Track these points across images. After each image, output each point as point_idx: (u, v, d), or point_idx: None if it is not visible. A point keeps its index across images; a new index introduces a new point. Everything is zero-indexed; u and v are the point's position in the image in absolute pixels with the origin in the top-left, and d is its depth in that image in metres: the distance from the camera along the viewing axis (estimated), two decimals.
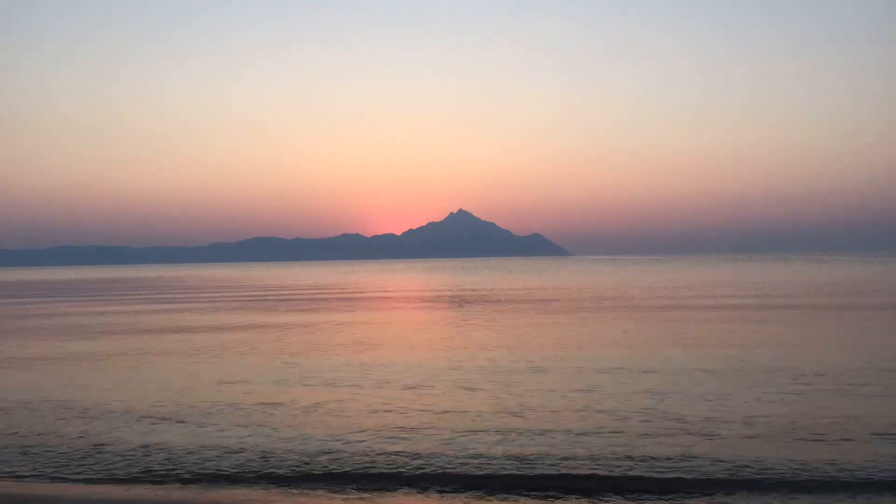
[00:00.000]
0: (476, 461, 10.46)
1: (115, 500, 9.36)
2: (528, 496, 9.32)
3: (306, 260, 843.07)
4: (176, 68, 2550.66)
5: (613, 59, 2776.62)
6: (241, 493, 9.47)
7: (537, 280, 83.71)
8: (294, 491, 9.57)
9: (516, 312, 36.01)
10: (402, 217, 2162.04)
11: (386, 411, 13.51)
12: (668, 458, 10.39)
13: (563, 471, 10.03)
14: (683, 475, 9.81)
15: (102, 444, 11.67)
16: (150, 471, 10.40)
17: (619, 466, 10.12)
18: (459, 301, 47.23)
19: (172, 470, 10.39)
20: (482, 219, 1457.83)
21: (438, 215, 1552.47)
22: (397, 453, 10.84)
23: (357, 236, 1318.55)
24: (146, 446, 11.48)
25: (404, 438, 11.62)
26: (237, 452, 11.04)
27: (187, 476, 10.17)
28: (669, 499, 9.14)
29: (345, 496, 9.36)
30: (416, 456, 10.71)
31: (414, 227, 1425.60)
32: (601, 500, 9.15)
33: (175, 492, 9.61)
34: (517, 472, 10.00)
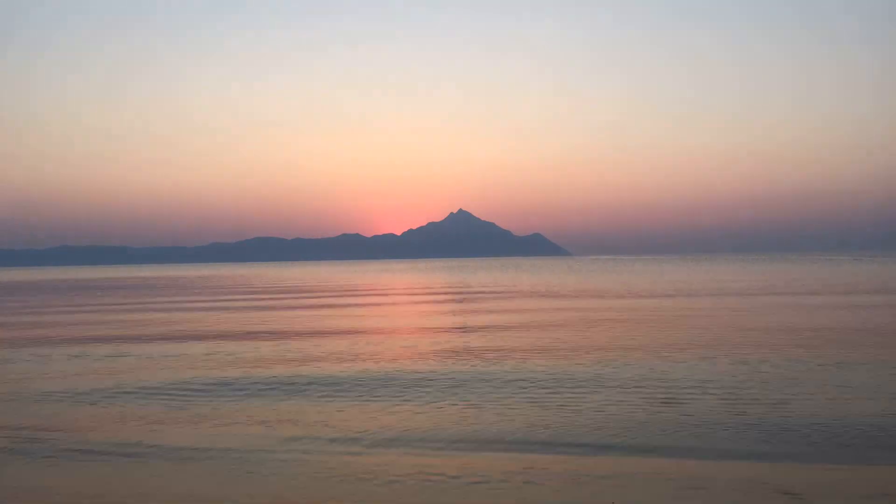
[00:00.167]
0: None
1: None
2: None
3: (306, 260, 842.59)
4: (177, 70, 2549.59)
5: (612, 59, 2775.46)
6: None
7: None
8: None
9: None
10: (402, 217, 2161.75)
11: None
12: None
13: None
14: None
15: None
16: None
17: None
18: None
19: None
20: (482, 219, 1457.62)
21: (438, 215, 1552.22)
22: None
23: (357, 236, 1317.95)
24: None
25: None
26: None
27: None
28: None
29: None
30: None
31: (414, 227, 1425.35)
32: None
33: None
34: None
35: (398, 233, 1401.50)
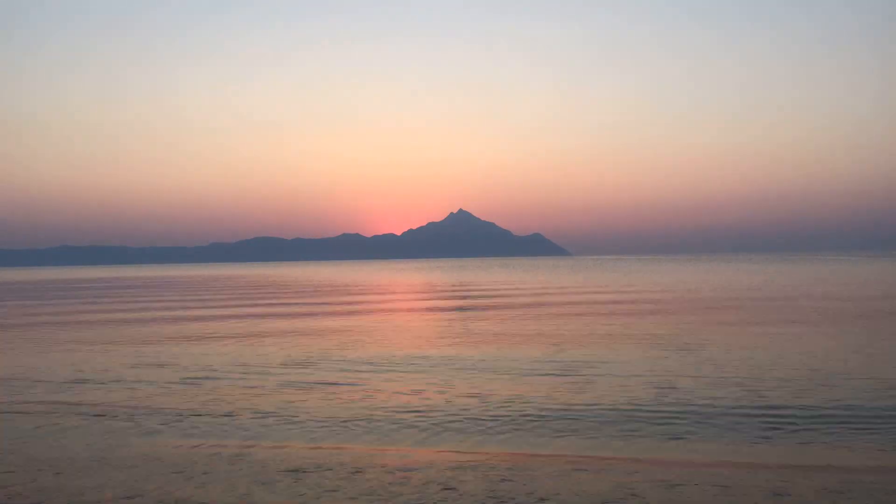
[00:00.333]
0: None
1: None
2: None
3: (306, 260, 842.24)
4: (177, 70, 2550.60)
5: (612, 59, 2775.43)
6: None
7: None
8: None
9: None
10: (402, 217, 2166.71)
11: None
12: None
13: None
14: None
15: None
16: None
17: None
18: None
19: None
20: (482, 219, 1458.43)
21: (438, 215, 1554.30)
22: None
23: (357, 236, 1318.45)
24: None
25: None
26: None
27: None
28: None
29: None
30: None
31: (414, 227, 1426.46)
32: None
33: None
34: None
35: (398, 233, 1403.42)
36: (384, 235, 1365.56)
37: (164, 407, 14.00)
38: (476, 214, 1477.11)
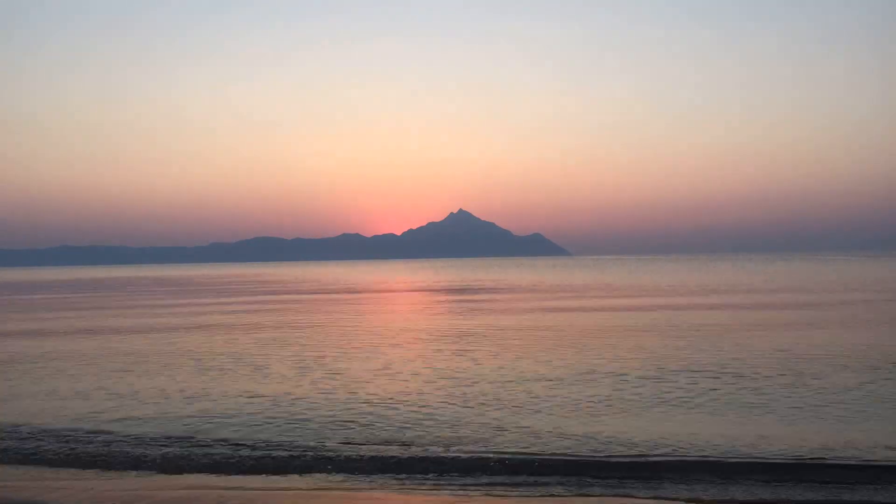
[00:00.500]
0: None
1: None
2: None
3: (306, 260, 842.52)
4: (177, 70, 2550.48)
5: (613, 59, 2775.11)
6: None
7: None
8: None
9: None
10: (402, 217, 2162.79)
11: None
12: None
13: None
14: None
15: None
16: None
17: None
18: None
19: None
20: (482, 219, 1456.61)
21: (438, 215, 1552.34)
22: None
23: (357, 236, 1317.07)
24: None
25: None
26: None
27: None
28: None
29: None
30: None
31: (414, 227, 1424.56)
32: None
33: None
34: None
35: (398, 233, 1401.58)
36: (384, 235, 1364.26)
37: None
38: (476, 214, 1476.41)
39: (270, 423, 13.24)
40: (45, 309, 50.63)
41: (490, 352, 22.51)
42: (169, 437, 12.37)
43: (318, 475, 10.29)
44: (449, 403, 14.71)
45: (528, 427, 12.59)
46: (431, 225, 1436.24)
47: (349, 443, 11.88)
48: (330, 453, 11.28)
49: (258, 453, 11.38)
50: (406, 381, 17.45)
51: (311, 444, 11.83)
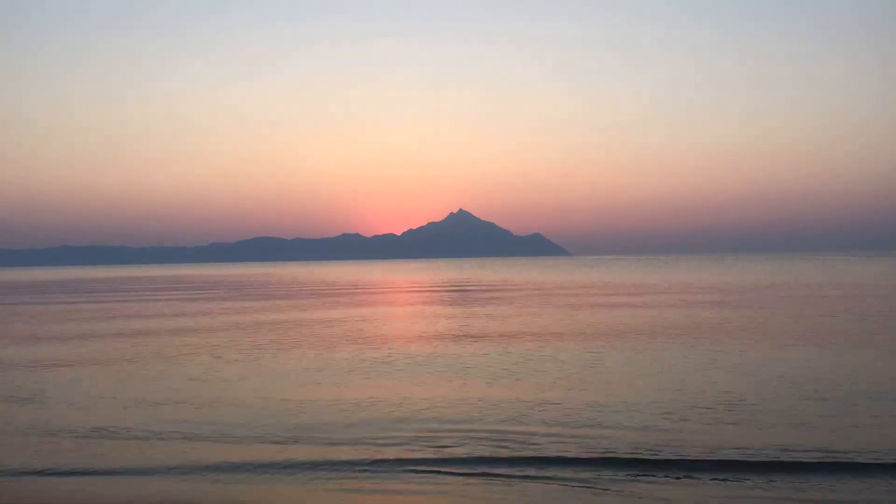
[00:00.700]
0: None
1: None
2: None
3: (306, 260, 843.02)
4: (177, 69, 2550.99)
5: (614, 59, 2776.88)
6: None
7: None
8: None
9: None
10: (402, 217, 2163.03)
11: None
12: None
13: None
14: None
15: None
16: None
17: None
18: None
19: None
20: (482, 219, 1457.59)
21: (438, 215, 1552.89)
22: None
23: (357, 236, 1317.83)
24: None
25: None
26: None
27: None
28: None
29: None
30: None
31: (414, 227, 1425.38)
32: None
33: None
34: None
35: (398, 233, 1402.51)
36: (384, 235, 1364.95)
37: None
38: (476, 214, 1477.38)
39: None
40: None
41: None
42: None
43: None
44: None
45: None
46: (431, 225, 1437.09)
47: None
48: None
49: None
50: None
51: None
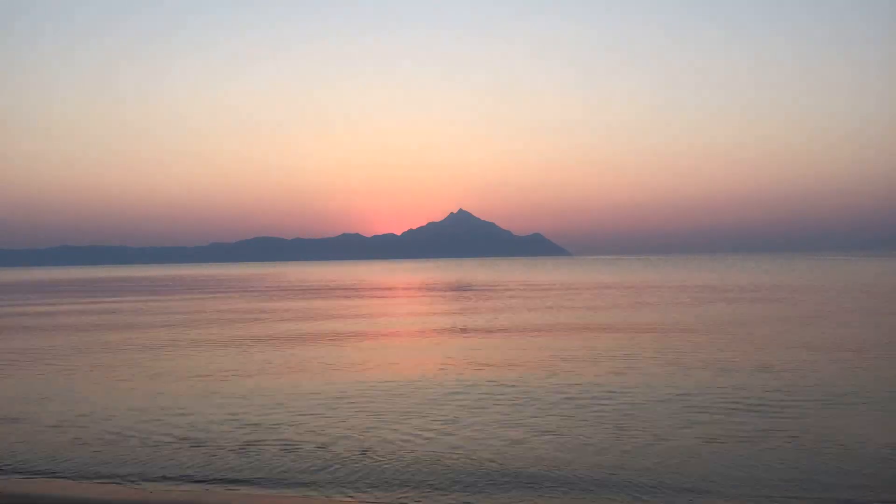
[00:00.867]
0: None
1: None
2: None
3: (306, 260, 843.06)
4: (176, 68, 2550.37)
5: (615, 60, 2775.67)
6: None
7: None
8: None
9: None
10: (402, 217, 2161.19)
11: None
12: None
13: None
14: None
15: None
16: None
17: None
18: None
19: None
20: (482, 219, 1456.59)
21: (438, 215, 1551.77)
22: None
23: (357, 236, 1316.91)
24: None
25: None
26: None
27: None
28: None
29: None
30: None
31: (414, 227, 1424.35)
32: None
33: None
34: None
35: (398, 233, 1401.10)
36: (384, 235, 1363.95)
37: None
38: (476, 214, 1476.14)
39: None
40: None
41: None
42: None
43: None
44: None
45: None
46: (431, 225, 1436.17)
47: None
48: None
49: None
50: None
51: None
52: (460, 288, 68.44)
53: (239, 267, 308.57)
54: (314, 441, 12.09)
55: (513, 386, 16.50)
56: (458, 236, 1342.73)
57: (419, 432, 12.42)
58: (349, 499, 9.65)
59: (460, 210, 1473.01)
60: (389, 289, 71.88)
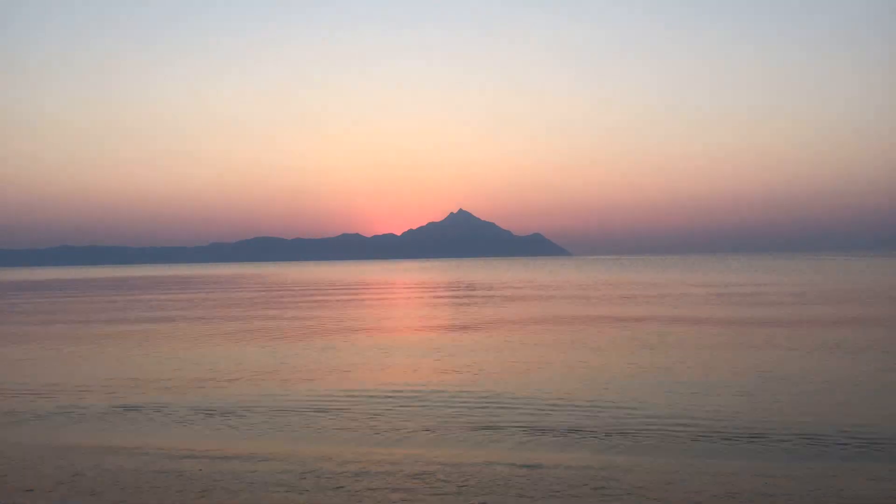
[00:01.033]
0: None
1: None
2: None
3: (306, 260, 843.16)
4: (177, 68, 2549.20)
5: (615, 60, 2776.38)
6: None
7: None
8: None
9: None
10: (402, 217, 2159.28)
11: None
12: None
13: None
14: None
15: None
16: None
17: None
18: None
19: None
20: (482, 219, 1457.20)
21: (438, 215, 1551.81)
22: None
23: (357, 236, 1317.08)
24: None
25: None
26: None
27: None
28: None
29: None
30: None
31: (414, 227, 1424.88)
32: None
33: None
34: None
35: (398, 233, 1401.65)
36: (384, 235, 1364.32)
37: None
38: (476, 214, 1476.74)
39: None
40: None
41: None
42: None
43: None
44: None
45: None
46: (431, 225, 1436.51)
47: None
48: None
49: None
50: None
51: None
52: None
53: (240, 267, 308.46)
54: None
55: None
56: (458, 236, 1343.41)
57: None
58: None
59: (460, 210, 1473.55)
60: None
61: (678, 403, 14.30)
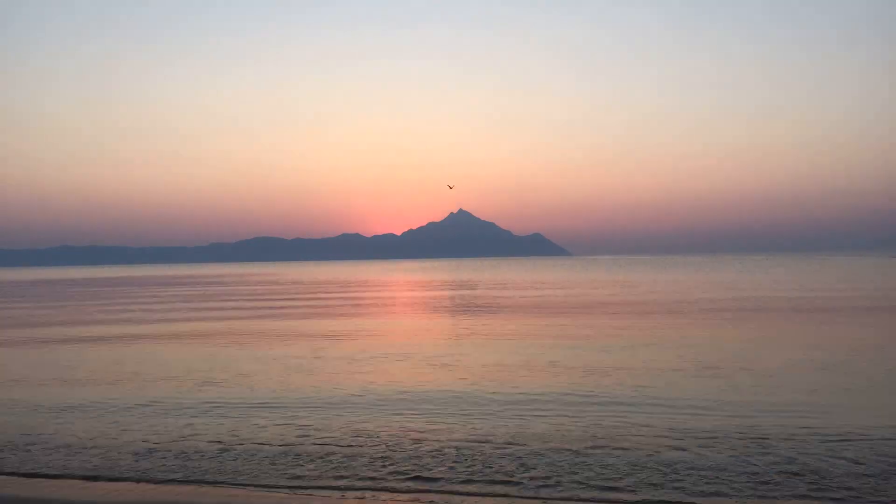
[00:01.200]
0: None
1: None
2: None
3: (306, 260, 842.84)
4: (177, 68, 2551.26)
5: (616, 60, 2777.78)
6: None
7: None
8: None
9: None
10: (402, 217, 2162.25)
11: None
12: None
13: None
14: None
15: None
16: None
17: None
18: None
19: None
20: (482, 219, 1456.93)
21: (438, 215, 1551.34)
22: None
23: (357, 236, 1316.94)
24: None
25: None
26: None
27: None
28: None
29: None
30: None
31: (414, 227, 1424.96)
32: None
33: None
34: None
35: (398, 233, 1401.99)
36: (384, 235, 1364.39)
37: None
38: (476, 214, 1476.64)
39: None
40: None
41: None
42: None
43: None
44: None
45: None
46: (431, 225, 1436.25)
47: None
48: None
49: None
50: None
51: None
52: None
53: (241, 266, 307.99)
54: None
55: None
56: (458, 236, 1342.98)
57: None
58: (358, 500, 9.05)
59: (460, 210, 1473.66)
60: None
61: None
